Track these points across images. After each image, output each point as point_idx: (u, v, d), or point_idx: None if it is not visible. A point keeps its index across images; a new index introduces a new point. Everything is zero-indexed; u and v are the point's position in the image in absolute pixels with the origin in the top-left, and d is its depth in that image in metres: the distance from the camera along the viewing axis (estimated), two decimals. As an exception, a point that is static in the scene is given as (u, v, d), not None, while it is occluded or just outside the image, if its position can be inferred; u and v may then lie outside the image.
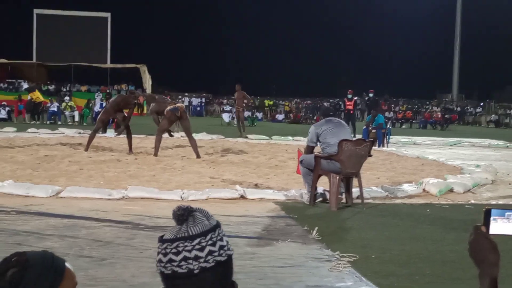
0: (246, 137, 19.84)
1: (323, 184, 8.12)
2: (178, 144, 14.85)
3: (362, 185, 7.92)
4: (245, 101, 22.21)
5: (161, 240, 1.50)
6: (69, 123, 26.95)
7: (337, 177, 7.60)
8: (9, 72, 44.08)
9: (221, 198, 7.86)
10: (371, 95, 26.10)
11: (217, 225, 1.51)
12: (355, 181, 7.98)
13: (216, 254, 1.47)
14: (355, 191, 8.06)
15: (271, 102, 46.92)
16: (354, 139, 8.51)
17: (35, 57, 47.46)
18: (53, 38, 47.45)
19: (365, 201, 8.00)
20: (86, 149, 13.09)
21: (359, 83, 37.34)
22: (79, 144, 13.89)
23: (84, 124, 26.81)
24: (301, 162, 8.15)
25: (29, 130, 20.19)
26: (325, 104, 37.47)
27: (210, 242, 1.47)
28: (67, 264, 1.51)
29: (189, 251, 1.44)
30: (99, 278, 4.39)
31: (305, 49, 58.54)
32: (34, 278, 1.40)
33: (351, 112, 23.01)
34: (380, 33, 59.14)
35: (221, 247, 1.49)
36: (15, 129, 20.52)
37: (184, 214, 1.50)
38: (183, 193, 7.98)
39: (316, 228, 6.11)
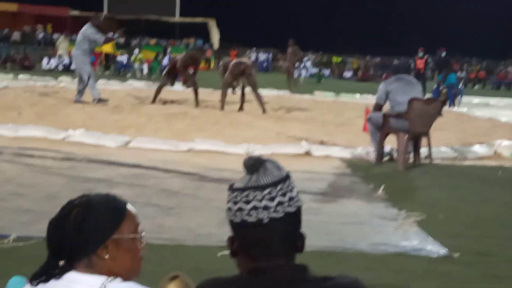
0: (295, 92, 19.61)
1: (390, 143, 7.98)
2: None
3: (431, 145, 7.76)
4: (296, 57, 22.13)
5: (232, 189, 1.50)
6: (138, 76, 27.34)
7: (406, 136, 7.46)
8: (82, 25, 44.82)
9: (286, 154, 7.83)
10: (443, 54, 25.31)
11: (287, 176, 1.51)
12: (424, 141, 7.82)
13: (285, 205, 1.47)
14: (423, 151, 7.90)
15: (339, 59, 46.20)
16: (424, 98, 8.32)
17: (107, 9, 48.06)
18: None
19: (434, 161, 7.85)
20: (153, 101, 13.29)
21: (430, 41, 36.23)
22: (147, 97, 14.08)
23: (153, 76, 27.13)
24: (369, 119, 8.03)
25: (99, 81, 20.60)
26: (396, 62, 36.71)
27: (280, 192, 1.46)
28: (128, 206, 1.59)
29: (259, 200, 1.45)
30: (166, 226, 4.48)
31: (373, 3, 57.21)
32: (97, 217, 1.50)
33: (422, 71, 22.42)
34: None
35: (291, 198, 1.48)
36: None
37: (255, 164, 1.49)
38: (248, 147, 8.01)
39: (383, 186, 6.04)
